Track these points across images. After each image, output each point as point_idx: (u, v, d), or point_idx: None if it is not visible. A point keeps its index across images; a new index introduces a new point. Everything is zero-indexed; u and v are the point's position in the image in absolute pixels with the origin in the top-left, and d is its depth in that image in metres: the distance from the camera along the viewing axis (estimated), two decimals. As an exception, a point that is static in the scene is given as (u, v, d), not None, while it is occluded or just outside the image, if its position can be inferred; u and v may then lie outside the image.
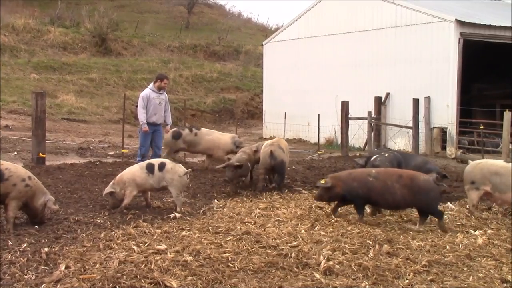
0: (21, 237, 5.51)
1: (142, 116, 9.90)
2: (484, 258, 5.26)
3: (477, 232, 6.19)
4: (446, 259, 5.19)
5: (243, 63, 32.10)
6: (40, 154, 10.45)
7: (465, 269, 4.98)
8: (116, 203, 6.92)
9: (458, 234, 6.11)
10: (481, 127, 13.71)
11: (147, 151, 10.05)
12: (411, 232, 6.11)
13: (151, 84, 10.23)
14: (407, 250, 5.41)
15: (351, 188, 6.53)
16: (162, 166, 6.93)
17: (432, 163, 8.97)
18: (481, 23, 15.18)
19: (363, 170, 7.19)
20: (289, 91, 20.21)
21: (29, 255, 4.89)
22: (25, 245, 5.20)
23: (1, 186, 5.66)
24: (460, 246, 5.61)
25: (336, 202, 6.86)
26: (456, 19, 14.80)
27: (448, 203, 7.66)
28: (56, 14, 32.85)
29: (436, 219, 6.40)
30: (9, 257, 4.82)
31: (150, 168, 6.92)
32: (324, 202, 7.07)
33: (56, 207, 6.32)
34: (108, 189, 6.99)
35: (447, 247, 5.56)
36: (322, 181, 6.70)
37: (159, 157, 9.64)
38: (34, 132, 10.60)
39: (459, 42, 14.80)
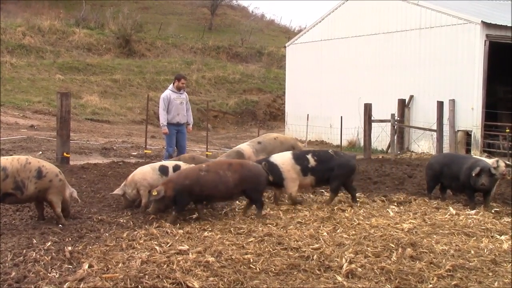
0: (45, 235, 5.58)
1: (162, 118, 9.97)
2: (510, 263, 5.15)
3: (502, 237, 6.07)
4: (470, 263, 5.10)
5: (266, 65, 32.12)
6: (65, 154, 10.59)
7: (490, 274, 4.89)
8: (129, 204, 6.97)
9: (483, 238, 6.01)
10: (507, 131, 13.50)
11: (173, 151, 10.14)
12: (435, 236, 6.03)
13: (171, 85, 10.32)
14: (431, 254, 5.33)
15: (183, 186, 6.28)
16: (177, 168, 6.94)
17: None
18: (508, 25, 14.94)
19: (193, 166, 6.87)
20: (311, 93, 20.15)
21: (53, 254, 4.95)
22: (49, 243, 5.26)
23: (40, 182, 5.93)
24: (485, 251, 5.51)
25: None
26: (482, 21, 14.60)
27: (450, 207, 7.48)
28: (81, 16, 33.25)
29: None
30: (34, 255, 4.88)
31: (163, 170, 6.95)
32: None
33: (77, 198, 6.56)
34: (117, 191, 7.03)
35: (472, 252, 5.47)
36: (154, 193, 6.23)
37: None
38: (59, 132, 10.73)
39: (485, 45, 14.61)
